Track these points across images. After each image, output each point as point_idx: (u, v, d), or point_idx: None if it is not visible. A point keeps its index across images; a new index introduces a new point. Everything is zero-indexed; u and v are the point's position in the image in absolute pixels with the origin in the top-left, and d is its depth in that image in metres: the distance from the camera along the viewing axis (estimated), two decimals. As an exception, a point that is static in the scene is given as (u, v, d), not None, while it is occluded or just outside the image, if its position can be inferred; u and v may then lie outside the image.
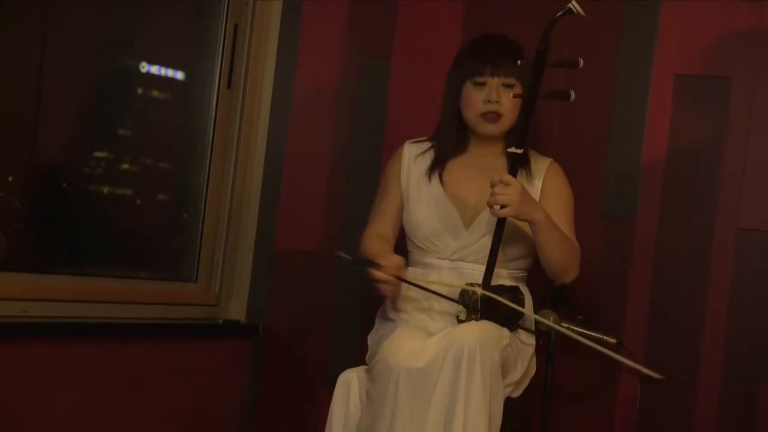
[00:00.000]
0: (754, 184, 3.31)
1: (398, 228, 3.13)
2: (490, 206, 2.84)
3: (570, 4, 2.78)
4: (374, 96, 3.71)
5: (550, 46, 2.84)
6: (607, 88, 3.46)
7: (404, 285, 2.96)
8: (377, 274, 2.87)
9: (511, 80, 2.97)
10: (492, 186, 2.83)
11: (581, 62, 2.84)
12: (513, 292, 2.91)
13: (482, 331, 2.75)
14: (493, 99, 2.97)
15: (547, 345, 3.04)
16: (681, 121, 3.39)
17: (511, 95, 2.95)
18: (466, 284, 2.88)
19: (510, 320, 2.90)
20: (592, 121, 3.47)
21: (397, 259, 2.90)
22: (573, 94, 2.86)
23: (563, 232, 2.96)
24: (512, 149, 2.90)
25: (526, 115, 2.88)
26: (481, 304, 2.86)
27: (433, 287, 2.92)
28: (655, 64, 3.42)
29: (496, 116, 2.99)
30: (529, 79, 2.87)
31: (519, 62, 2.88)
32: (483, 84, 2.99)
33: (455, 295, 2.89)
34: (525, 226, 2.96)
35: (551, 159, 3.11)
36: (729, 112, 3.34)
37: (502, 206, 2.82)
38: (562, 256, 2.94)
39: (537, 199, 3.00)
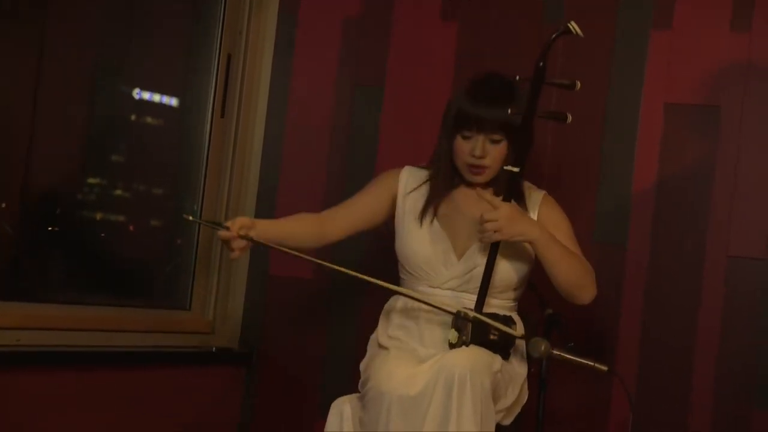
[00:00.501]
0: (743, 211, 3.33)
1: (355, 224, 3.10)
2: (481, 233, 2.86)
3: (569, 24, 2.80)
4: (367, 123, 3.74)
5: (546, 66, 2.87)
6: (598, 116, 3.48)
7: (396, 305, 3.00)
8: (222, 233, 2.86)
9: (496, 136, 2.99)
10: (481, 220, 2.86)
11: (578, 85, 2.87)
12: (505, 320, 2.92)
13: (473, 357, 2.76)
14: (477, 154, 2.99)
15: (540, 371, 3.05)
16: (671, 148, 3.42)
17: (498, 148, 2.98)
18: (459, 310, 2.90)
19: (502, 348, 2.91)
20: (583, 148, 3.49)
21: (245, 219, 2.89)
22: (570, 117, 2.89)
23: (569, 249, 2.96)
24: (508, 167, 2.93)
25: (524, 133, 2.91)
26: (473, 329, 2.87)
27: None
28: (644, 92, 3.45)
29: (480, 169, 3.02)
30: (519, 122, 2.90)
31: (509, 111, 2.91)
32: (470, 138, 3.02)
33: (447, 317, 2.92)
34: (518, 257, 2.98)
35: (545, 192, 3.13)
36: (719, 141, 3.36)
37: (493, 232, 2.84)
38: (572, 272, 2.92)
39: None
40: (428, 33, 3.67)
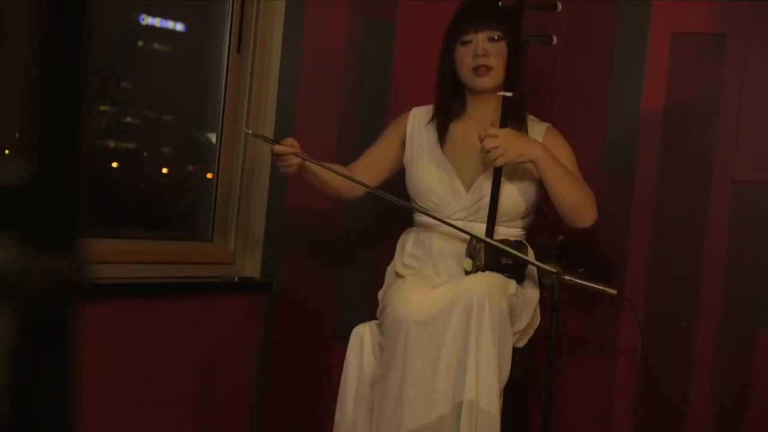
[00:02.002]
0: (748, 136, 3.37)
1: (377, 174, 3.21)
2: (482, 162, 2.94)
3: None
4: (380, 56, 3.77)
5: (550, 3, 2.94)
6: (606, 46, 3.51)
7: (410, 236, 3.08)
8: (276, 147, 2.99)
9: (494, 33, 3.05)
10: (480, 142, 2.93)
11: (560, 6, 2.96)
12: (517, 245, 2.99)
13: (489, 281, 2.83)
14: (479, 52, 3.05)
15: (551, 297, 3.13)
16: (678, 76, 3.45)
17: (499, 50, 3.04)
18: (471, 235, 2.98)
19: (516, 272, 2.99)
20: (591, 78, 3.52)
21: (293, 140, 3.02)
22: (555, 38, 2.97)
23: (571, 172, 3.00)
24: (502, 92, 3.00)
25: (512, 57, 2.99)
26: (486, 255, 2.96)
27: (342, 173, 3.08)
28: (652, 22, 3.48)
29: (486, 69, 3.06)
30: (512, 24, 2.98)
31: (500, 3, 2.99)
32: (470, 42, 3.08)
33: (460, 247, 3.01)
34: (525, 184, 3.04)
35: (548, 124, 3.18)
36: (724, 68, 3.40)
37: (497, 156, 2.90)
38: (573, 193, 2.96)
39: None
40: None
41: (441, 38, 3.28)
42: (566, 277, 2.95)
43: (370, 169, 3.21)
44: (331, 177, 3.12)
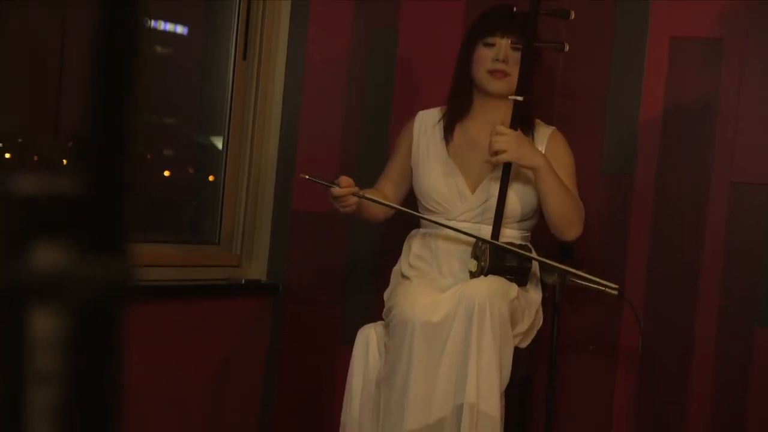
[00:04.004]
0: (746, 139, 3.40)
1: (402, 189, 3.26)
2: (491, 155, 3.00)
3: None
4: (383, 65, 3.80)
5: (551, 7, 3.00)
6: (605, 51, 3.55)
7: (416, 237, 3.14)
8: (334, 190, 3.03)
9: (518, 44, 3.08)
10: (491, 136, 2.99)
11: (573, 14, 3.02)
12: (521, 249, 3.03)
13: (491, 286, 2.88)
14: (501, 57, 3.09)
15: (553, 297, 3.17)
16: (676, 80, 3.48)
17: (518, 60, 3.09)
18: (477, 237, 3.03)
19: (519, 275, 3.05)
20: (591, 82, 3.55)
21: (350, 179, 3.06)
22: (567, 46, 3.03)
23: (566, 187, 3.06)
24: (513, 96, 3.06)
25: (524, 62, 3.05)
26: (491, 257, 3.02)
27: (400, 207, 3.14)
28: (651, 26, 3.52)
29: (503, 74, 3.10)
30: (525, 30, 3.05)
31: (515, 9, 3.05)
32: (493, 45, 3.13)
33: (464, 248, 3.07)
34: (530, 187, 3.09)
35: (554, 128, 3.23)
36: (722, 72, 3.45)
37: (501, 152, 2.96)
38: (563, 206, 3.03)
39: None
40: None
41: (444, 46, 3.34)
42: (569, 277, 3.01)
43: (398, 188, 3.26)
44: (374, 207, 3.16)
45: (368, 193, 3.11)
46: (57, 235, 0.73)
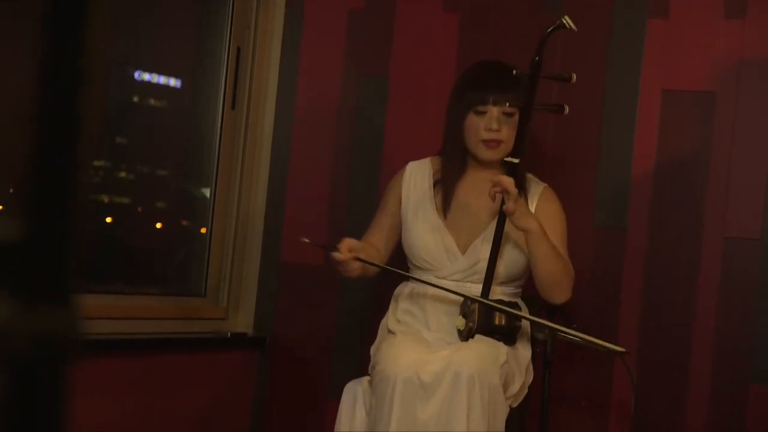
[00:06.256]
0: (739, 193, 3.40)
1: (391, 241, 3.22)
2: (493, 199, 2.94)
3: (563, 19, 2.90)
4: (373, 113, 3.79)
5: (543, 60, 2.97)
6: (597, 103, 3.55)
7: (404, 291, 3.10)
8: (336, 255, 2.99)
9: (511, 110, 3.06)
10: (491, 187, 2.93)
11: (574, 77, 2.97)
12: (511, 306, 2.99)
13: (479, 354, 2.83)
14: (494, 127, 3.05)
15: (544, 352, 3.12)
16: (668, 133, 3.48)
17: (511, 123, 3.06)
18: (466, 297, 2.99)
19: (508, 335, 3.00)
20: (583, 134, 3.55)
21: (352, 241, 3.02)
22: (567, 108, 2.98)
23: (558, 251, 3.02)
24: (509, 159, 3.02)
25: (522, 125, 3.01)
26: (480, 316, 2.97)
27: (395, 269, 3.10)
28: (642, 79, 3.51)
29: (496, 143, 3.07)
30: (524, 96, 3.00)
31: (514, 72, 3.00)
32: (484, 113, 3.08)
33: (452, 304, 3.02)
34: (521, 247, 3.05)
35: (546, 185, 3.20)
36: (714, 125, 3.44)
37: (505, 194, 2.90)
38: (554, 271, 3.00)
39: None
40: (431, 24, 3.73)
41: (434, 95, 3.31)
42: (560, 333, 2.97)
43: (388, 240, 3.22)
44: (372, 267, 3.10)
45: (362, 251, 3.06)
46: (-5, 284, 0.68)
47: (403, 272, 3.11)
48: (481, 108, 3.06)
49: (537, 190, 3.17)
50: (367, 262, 3.03)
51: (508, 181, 2.90)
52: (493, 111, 3.05)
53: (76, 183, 0.70)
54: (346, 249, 2.98)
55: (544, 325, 3.00)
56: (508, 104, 3.04)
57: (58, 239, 0.70)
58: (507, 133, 3.06)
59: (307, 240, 3.09)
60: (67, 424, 0.74)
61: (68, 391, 0.74)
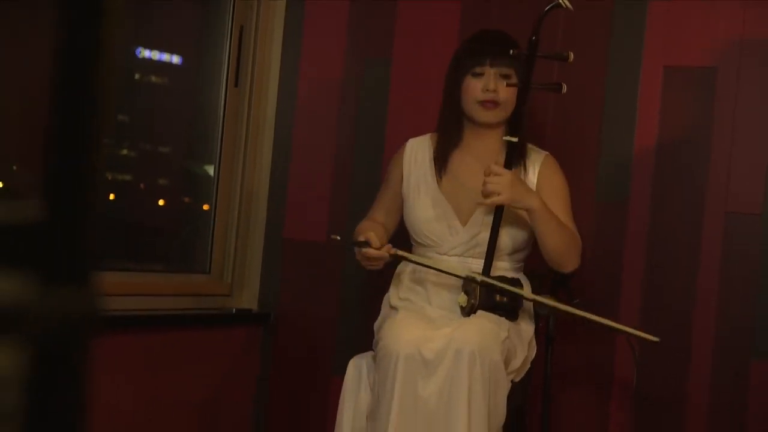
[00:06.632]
0: (740, 169, 3.40)
1: (395, 219, 3.23)
2: (484, 197, 2.96)
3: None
4: (375, 93, 3.80)
5: (543, 39, 2.98)
6: (599, 80, 3.55)
7: (406, 268, 3.12)
8: (369, 251, 2.98)
9: (507, 71, 3.07)
10: (485, 176, 2.95)
11: (571, 56, 2.97)
12: (513, 283, 3.01)
13: (481, 331, 2.84)
14: (491, 88, 3.06)
15: (547, 328, 3.14)
16: (670, 110, 3.48)
17: (509, 88, 3.06)
18: (469, 273, 3.00)
19: (510, 312, 3.02)
20: (585, 110, 3.55)
21: (378, 236, 3.01)
22: (565, 87, 2.99)
23: (561, 222, 3.03)
24: (507, 137, 3.03)
25: (520, 104, 3.02)
26: (482, 292, 2.98)
27: (428, 263, 3.05)
28: (644, 56, 3.51)
29: (493, 104, 3.08)
30: (523, 70, 3.01)
31: (512, 52, 3.01)
32: (481, 74, 3.09)
33: (454, 280, 3.03)
34: (522, 219, 3.07)
35: (547, 152, 3.20)
36: (715, 101, 3.45)
37: (494, 194, 2.93)
38: (560, 244, 3.01)
39: None
40: (434, 4, 3.74)
41: (437, 76, 3.32)
42: (561, 309, 2.98)
43: (391, 216, 3.23)
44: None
45: (367, 228, 3.07)
46: (17, 265, 0.70)
47: (437, 268, 3.05)
48: (478, 69, 3.07)
49: (538, 158, 3.17)
50: (401, 257, 3.03)
51: (491, 179, 2.92)
52: (490, 72, 3.07)
53: (94, 162, 0.72)
54: (377, 244, 2.98)
55: (545, 303, 3.01)
56: (503, 67, 3.05)
57: (78, 219, 0.72)
58: (504, 95, 3.07)
59: (338, 237, 3.09)
60: (88, 398, 0.76)
61: (88, 366, 0.76)
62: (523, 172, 3.12)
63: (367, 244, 2.99)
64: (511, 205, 2.97)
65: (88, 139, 0.71)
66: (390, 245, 3.02)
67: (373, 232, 3.02)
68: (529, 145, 3.18)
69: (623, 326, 2.98)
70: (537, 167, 3.14)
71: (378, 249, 2.98)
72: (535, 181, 3.13)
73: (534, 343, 3.11)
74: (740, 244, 3.39)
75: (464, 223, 3.10)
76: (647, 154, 3.49)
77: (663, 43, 3.49)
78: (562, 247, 3.02)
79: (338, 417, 3.02)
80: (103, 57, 0.72)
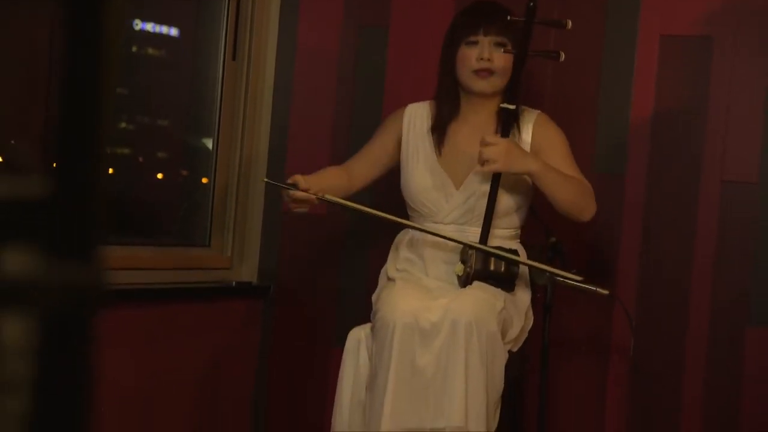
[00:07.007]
0: (736, 137, 3.41)
1: (372, 172, 3.24)
2: (480, 164, 2.97)
3: None
4: (373, 63, 3.80)
5: (540, 8, 2.98)
6: (596, 49, 3.55)
7: (404, 238, 3.13)
8: (298, 194, 2.99)
9: (502, 39, 3.07)
10: (480, 146, 2.96)
11: (569, 23, 2.98)
12: (510, 253, 3.04)
13: (476, 301, 2.86)
14: (485, 56, 3.06)
15: (544, 297, 3.13)
16: (667, 79, 3.49)
17: (505, 56, 3.07)
18: (465, 244, 3.02)
19: (506, 281, 3.03)
20: (581, 81, 3.56)
21: (306, 179, 3.03)
22: (563, 55, 3.00)
23: (566, 175, 3.03)
24: (504, 105, 3.04)
25: (516, 71, 3.03)
26: (478, 261, 2.99)
27: (372, 212, 3.09)
28: (641, 25, 3.52)
29: (488, 72, 3.08)
30: (519, 38, 3.01)
31: (509, 18, 3.02)
32: (475, 43, 3.09)
33: (451, 251, 3.05)
34: (515, 183, 3.07)
35: (539, 111, 3.20)
36: (712, 70, 3.45)
37: (490, 162, 2.93)
38: (570, 196, 3.01)
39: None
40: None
41: (434, 45, 3.32)
42: (559, 278, 3.00)
43: (365, 167, 3.23)
44: (331, 188, 3.11)
45: (324, 173, 3.12)
46: (24, 239, 0.72)
47: (370, 210, 3.08)
48: (472, 38, 3.08)
49: (531, 117, 3.17)
50: (327, 200, 3.05)
51: (486, 148, 2.92)
52: (485, 41, 3.07)
53: (100, 137, 0.73)
54: (304, 186, 2.99)
55: (543, 269, 3.02)
56: (498, 35, 3.05)
57: (84, 193, 0.73)
58: (499, 63, 3.07)
59: (266, 179, 3.19)
60: (95, 371, 0.78)
61: (95, 339, 0.78)
62: (517, 135, 3.12)
63: (294, 186, 3.00)
64: (510, 171, 2.97)
65: (93, 110, 0.72)
66: (314, 187, 3.01)
67: (314, 177, 3.05)
68: (522, 107, 3.18)
69: (572, 277, 2.98)
70: (530, 127, 3.14)
71: (305, 191, 2.99)
72: (529, 140, 3.13)
73: (531, 312, 3.13)
74: (736, 212, 3.41)
75: (458, 187, 3.11)
76: (644, 124, 3.50)
77: (659, 12, 3.49)
78: (574, 199, 3.02)
79: (338, 389, 3.04)
80: (108, 27, 0.74)
